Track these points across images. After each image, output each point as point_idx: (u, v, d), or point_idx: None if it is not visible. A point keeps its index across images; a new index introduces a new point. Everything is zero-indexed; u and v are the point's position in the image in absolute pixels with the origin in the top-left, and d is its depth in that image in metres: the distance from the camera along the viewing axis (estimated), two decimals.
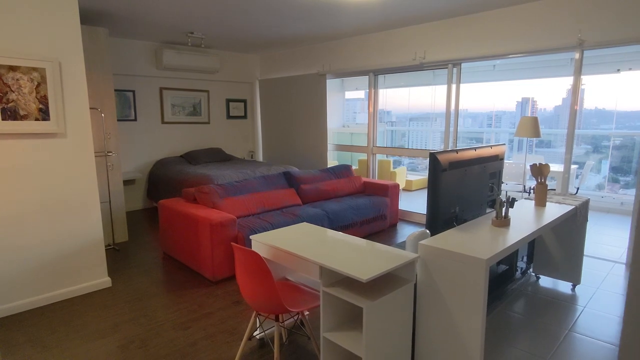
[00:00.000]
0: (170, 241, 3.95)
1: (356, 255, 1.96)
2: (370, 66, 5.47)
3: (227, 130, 7.12)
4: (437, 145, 8.95)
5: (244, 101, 7.27)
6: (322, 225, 4.06)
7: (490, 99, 8.36)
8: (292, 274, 2.51)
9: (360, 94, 9.38)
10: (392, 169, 6.49)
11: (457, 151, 2.63)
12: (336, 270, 1.81)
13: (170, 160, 6.13)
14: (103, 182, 4.34)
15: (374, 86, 5.63)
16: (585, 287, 3.20)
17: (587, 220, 2.96)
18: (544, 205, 2.75)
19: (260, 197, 4.04)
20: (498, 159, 3.06)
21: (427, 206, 2.47)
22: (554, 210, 2.66)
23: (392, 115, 9.73)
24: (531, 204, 2.87)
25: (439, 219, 2.53)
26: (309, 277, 2.11)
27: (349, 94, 9.25)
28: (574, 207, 2.72)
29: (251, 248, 2.47)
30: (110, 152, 4.37)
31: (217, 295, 3.19)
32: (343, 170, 5.10)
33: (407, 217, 5.37)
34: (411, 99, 9.02)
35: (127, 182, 5.90)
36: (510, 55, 4.29)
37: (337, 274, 1.98)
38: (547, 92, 7.75)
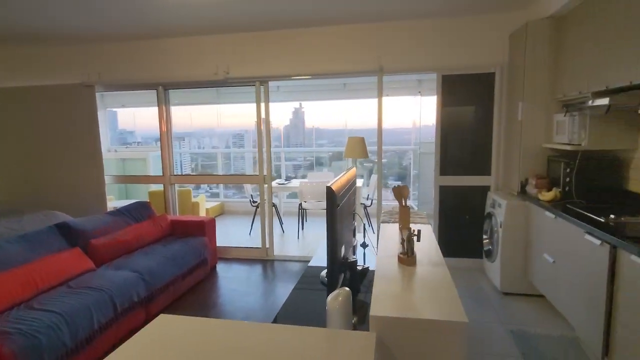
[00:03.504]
0: None
1: None
2: (161, 78, 4.49)
3: None
4: (187, 169, 8.40)
5: None
6: (137, 292, 2.92)
7: (237, 118, 8.51)
8: None
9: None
10: (192, 199, 5.58)
11: (338, 180, 2.26)
12: None
13: None
14: None
15: (165, 102, 4.66)
16: None
17: None
18: (409, 228, 2.74)
19: (26, 273, 2.54)
20: (355, 184, 2.89)
21: (328, 254, 1.99)
22: (425, 233, 2.65)
23: (136, 135, 8.64)
24: (394, 228, 2.82)
25: (337, 266, 2.10)
26: None
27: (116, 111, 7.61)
28: (430, 224, 2.83)
29: None
30: None
31: None
32: (142, 210, 3.95)
33: (225, 254, 4.66)
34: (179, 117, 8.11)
35: None
36: (319, 77, 4.31)
37: None
38: (279, 113, 8.57)
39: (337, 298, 1.72)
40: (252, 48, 4.31)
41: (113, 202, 5.61)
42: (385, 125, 4.30)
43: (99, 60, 4.59)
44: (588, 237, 2.31)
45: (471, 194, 4.15)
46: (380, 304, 1.59)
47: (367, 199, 5.68)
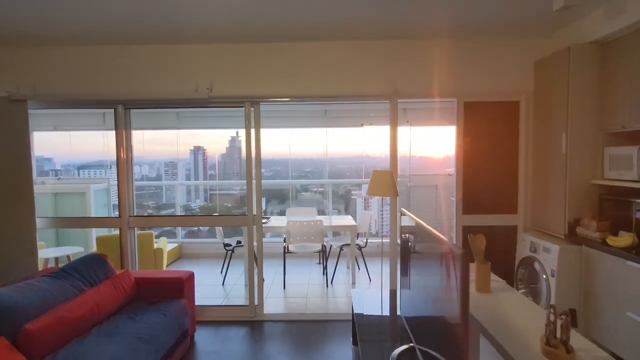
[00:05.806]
0: None
1: None
2: (121, 95, 3.54)
3: None
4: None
5: None
6: None
7: (170, 145, 7.60)
8: None
9: None
10: (155, 245, 4.48)
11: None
12: None
13: None
14: None
15: (124, 125, 3.69)
16: None
17: None
18: (489, 292, 2.11)
19: None
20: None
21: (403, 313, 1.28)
22: (518, 299, 2.04)
23: (54, 162, 7.39)
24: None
25: None
26: None
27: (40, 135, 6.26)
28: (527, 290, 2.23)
29: None
30: None
31: None
32: (96, 267, 2.90)
33: (201, 316, 3.66)
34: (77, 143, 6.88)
35: None
36: (322, 100, 3.67)
37: None
38: (215, 141, 7.81)
39: None
40: (240, 62, 3.56)
41: (43, 251, 4.34)
42: (363, 154, 3.74)
43: (33, 68, 3.53)
44: None
45: (494, 234, 3.67)
46: None
47: (358, 237, 5.02)
